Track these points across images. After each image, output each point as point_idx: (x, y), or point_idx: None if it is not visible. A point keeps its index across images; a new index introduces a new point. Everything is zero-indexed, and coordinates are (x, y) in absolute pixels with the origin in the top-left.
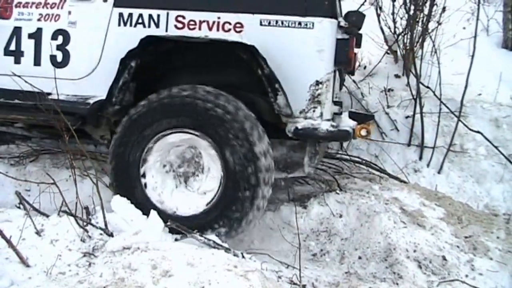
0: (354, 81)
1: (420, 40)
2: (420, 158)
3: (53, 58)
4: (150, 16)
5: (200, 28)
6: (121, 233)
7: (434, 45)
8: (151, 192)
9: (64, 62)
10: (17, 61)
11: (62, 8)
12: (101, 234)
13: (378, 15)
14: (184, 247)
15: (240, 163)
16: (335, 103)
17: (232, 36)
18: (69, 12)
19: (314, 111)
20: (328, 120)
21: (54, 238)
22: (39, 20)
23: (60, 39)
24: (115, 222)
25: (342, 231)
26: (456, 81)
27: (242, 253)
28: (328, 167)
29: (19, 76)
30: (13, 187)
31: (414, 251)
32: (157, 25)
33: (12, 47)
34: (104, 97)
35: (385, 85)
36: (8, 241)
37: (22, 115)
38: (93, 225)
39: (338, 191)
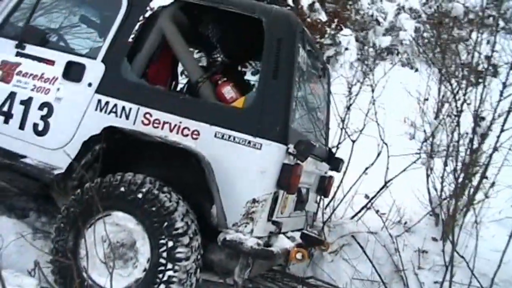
0: (390, 235)
1: (464, 209)
2: None
3: (35, 126)
4: (123, 108)
5: (162, 128)
6: None
7: (476, 218)
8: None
9: (44, 132)
10: (6, 122)
11: (53, 84)
12: None
13: (428, 176)
14: None
15: (162, 251)
16: (273, 222)
17: (188, 142)
18: (58, 89)
19: (245, 226)
20: (259, 237)
21: None
22: (32, 90)
23: (45, 110)
24: None
25: None
26: (493, 257)
27: None
28: None
29: None
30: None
31: None
32: (127, 117)
33: (5, 108)
34: None
35: (420, 246)
36: None
37: None
38: None
39: None
